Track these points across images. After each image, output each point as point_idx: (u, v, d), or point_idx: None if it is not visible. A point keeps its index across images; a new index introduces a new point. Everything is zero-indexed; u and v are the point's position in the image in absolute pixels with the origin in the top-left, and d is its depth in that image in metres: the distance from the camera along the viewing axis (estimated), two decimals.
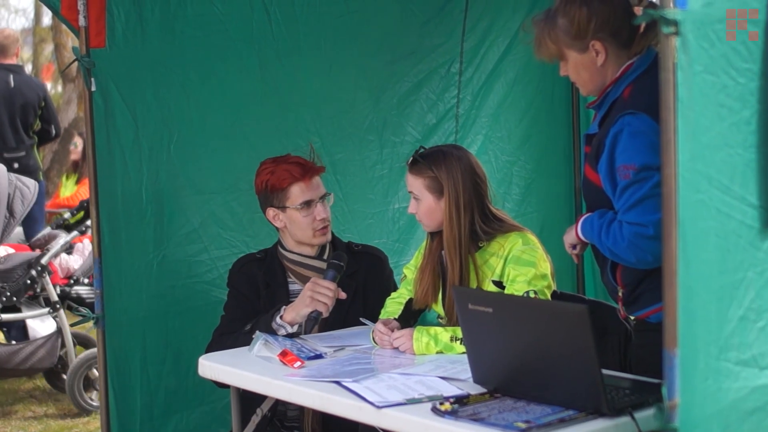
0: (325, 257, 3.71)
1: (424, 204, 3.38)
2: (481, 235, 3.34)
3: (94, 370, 5.63)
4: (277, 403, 3.44)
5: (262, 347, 3.30)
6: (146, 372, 4.03)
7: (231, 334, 3.58)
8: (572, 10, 2.93)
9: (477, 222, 3.34)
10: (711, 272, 2.20)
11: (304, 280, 3.64)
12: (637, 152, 2.79)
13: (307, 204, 3.64)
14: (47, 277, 5.79)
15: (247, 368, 3.18)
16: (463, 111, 4.66)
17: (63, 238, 6.00)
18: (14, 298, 5.70)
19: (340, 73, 4.41)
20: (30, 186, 5.79)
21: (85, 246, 6.28)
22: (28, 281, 5.73)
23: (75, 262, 6.17)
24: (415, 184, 3.39)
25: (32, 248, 6.16)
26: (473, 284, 3.32)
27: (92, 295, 5.84)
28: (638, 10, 2.95)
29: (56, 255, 5.92)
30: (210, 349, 3.62)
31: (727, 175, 2.23)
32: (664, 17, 2.13)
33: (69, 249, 6.21)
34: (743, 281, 2.25)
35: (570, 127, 4.81)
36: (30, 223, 7.02)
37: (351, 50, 4.42)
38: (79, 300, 5.97)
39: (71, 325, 5.82)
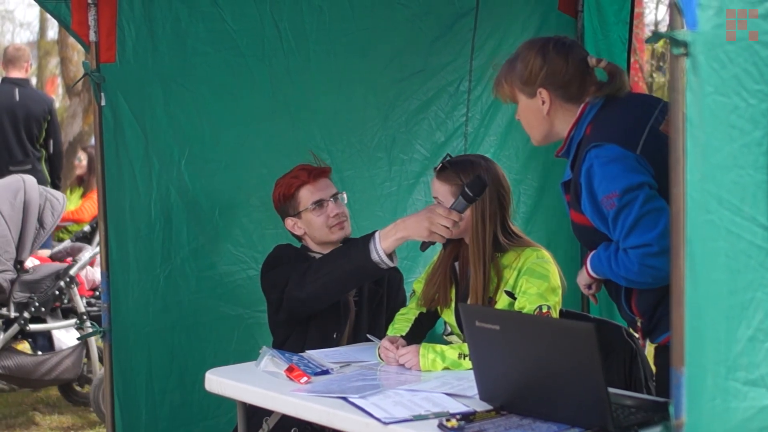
0: None
1: None
2: (499, 247, 3.37)
3: None
4: None
5: (268, 362, 3.31)
6: (151, 386, 4.04)
7: (309, 268, 3.49)
8: (529, 56, 3.06)
9: (498, 234, 3.37)
10: (720, 292, 2.21)
11: None
12: (613, 180, 2.83)
13: (319, 204, 3.69)
14: (75, 289, 5.80)
15: (254, 383, 3.18)
16: (472, 129, 4.67)
17: (89, 250, 6.01)
18: (42, 309, 5.71)
19: (350, 90, 4.43)
20: (59, 198, 5.84)
21: None
22: (57, 292, 5.74)
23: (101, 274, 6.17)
24: (442, 190, 3.43)
25: (52, 260, 6.16)
26: (492, 294, 3.36)
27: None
28: (594, 62, 3.05)
29: (84, 266, 5.93)
30: (294, 284, 3.49)
31: (738, 195, 2.23)
32: (674, 38, 2.14)
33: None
34: (752, 302, 2.25)
35: None
36: None
37: (360, 67, 4.44)
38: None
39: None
